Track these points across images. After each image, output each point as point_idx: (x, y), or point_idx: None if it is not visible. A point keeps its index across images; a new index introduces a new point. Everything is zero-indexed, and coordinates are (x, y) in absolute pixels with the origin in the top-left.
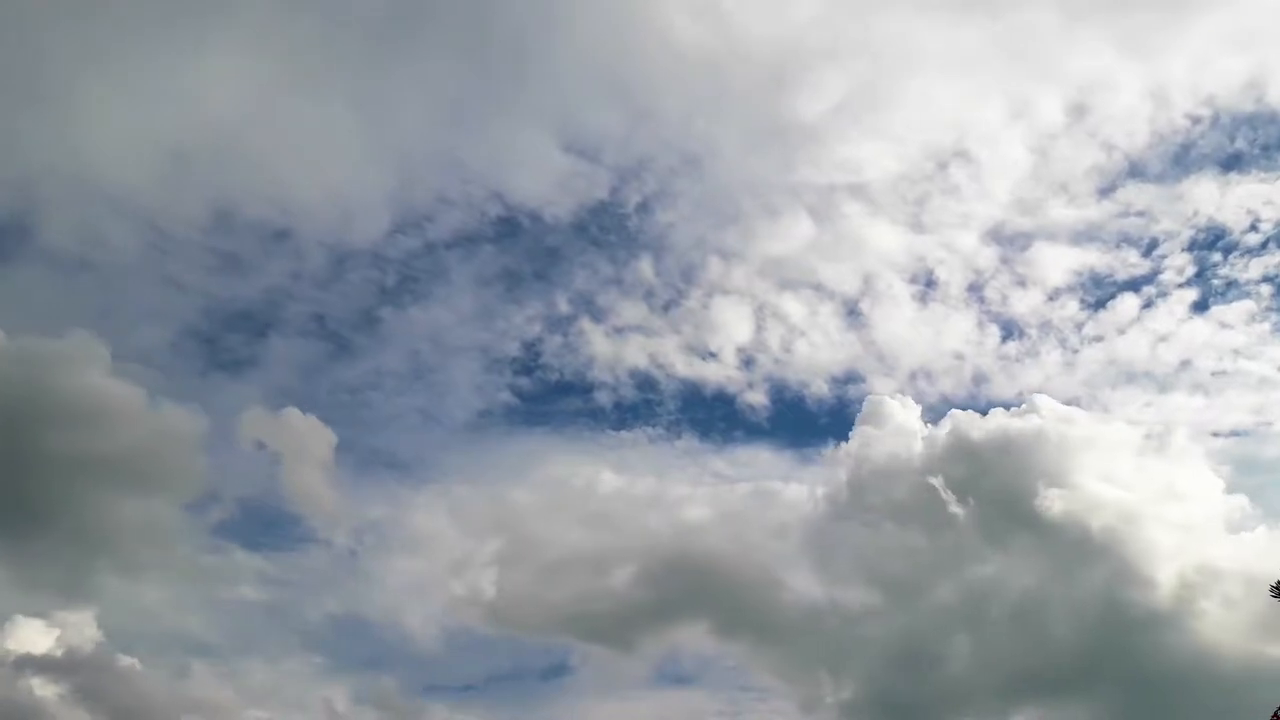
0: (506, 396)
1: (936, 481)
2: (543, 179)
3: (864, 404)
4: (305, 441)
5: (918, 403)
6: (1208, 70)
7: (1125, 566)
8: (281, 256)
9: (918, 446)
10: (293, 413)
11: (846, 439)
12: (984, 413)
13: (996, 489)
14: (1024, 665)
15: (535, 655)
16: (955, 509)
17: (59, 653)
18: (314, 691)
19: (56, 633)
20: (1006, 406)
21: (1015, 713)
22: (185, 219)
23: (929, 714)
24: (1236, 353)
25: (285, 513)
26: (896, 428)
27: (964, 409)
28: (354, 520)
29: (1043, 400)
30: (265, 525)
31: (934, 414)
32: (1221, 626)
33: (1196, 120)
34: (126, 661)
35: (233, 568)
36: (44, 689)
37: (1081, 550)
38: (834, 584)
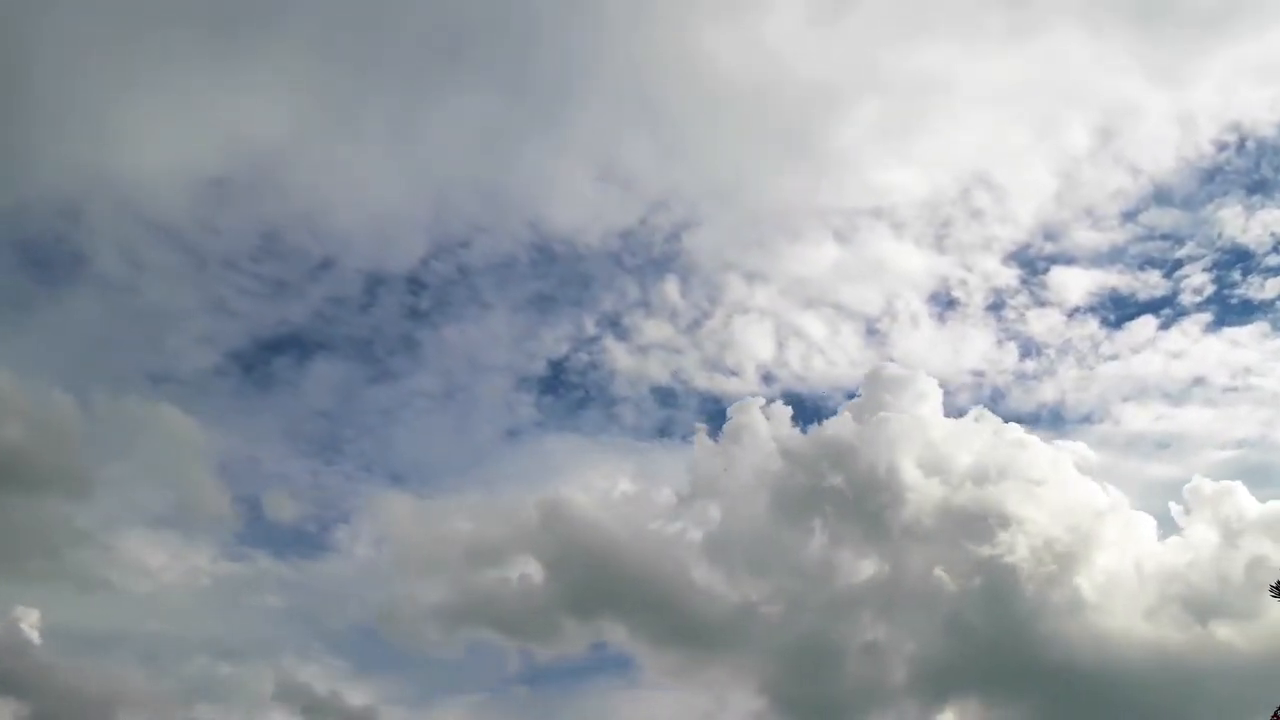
0: (531, 412)
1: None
2: (577, 207)
3: (730, 410)
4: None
5: None
6: (1235, 97)
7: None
8: (321, 281)
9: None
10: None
11: None
12: None
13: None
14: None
15: (549, 658)
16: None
17: None
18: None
19: None
20: (1020, 421)
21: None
22: (226, 245)
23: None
24: (1248, 370)
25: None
26: (765, 432)
27: None
28: (374, 530)
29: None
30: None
31: None
32: (1127, 621)
33: (1223, 146)
34: (58, 658)
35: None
36: None
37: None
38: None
